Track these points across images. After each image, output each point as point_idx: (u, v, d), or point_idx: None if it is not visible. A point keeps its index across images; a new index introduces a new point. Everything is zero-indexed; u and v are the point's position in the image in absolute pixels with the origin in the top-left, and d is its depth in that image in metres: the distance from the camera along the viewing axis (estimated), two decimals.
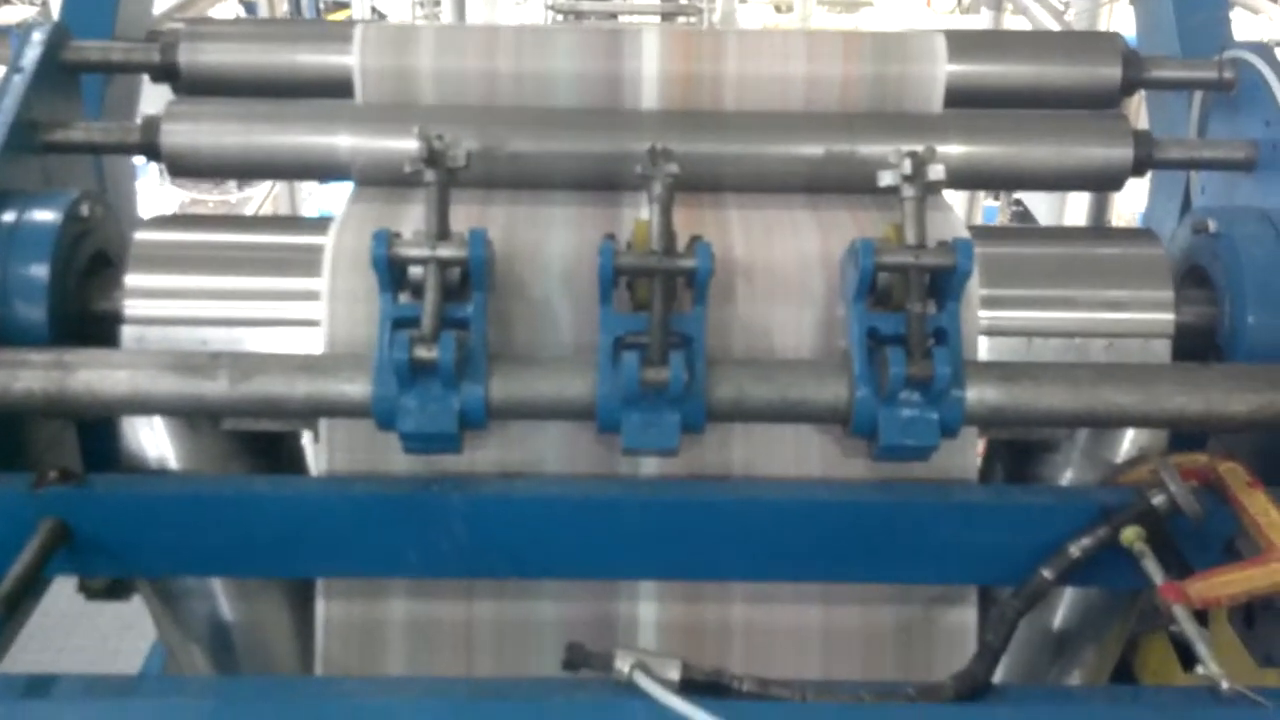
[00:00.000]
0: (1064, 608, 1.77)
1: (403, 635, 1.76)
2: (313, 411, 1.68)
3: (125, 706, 1.35)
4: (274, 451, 1.90)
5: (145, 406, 1.68)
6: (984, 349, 1.76)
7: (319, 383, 1.65)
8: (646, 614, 1.75)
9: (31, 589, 1.51)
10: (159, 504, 1.63)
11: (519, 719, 1.33)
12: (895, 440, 1.61)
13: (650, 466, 1.75)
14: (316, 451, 1.77)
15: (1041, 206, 6.54)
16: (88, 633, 4.57)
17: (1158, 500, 1.59)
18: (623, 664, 1.36)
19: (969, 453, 1.75)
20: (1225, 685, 1.40)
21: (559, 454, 1.76)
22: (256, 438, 1.85)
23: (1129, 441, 1.77)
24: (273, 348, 1.75)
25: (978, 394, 1.64)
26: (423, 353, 1.58)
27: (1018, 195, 5.88)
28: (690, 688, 1.34)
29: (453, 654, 1.76)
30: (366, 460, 1.74)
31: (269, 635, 1.80)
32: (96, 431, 1.83)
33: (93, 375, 1.63)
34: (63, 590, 1.74)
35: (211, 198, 6.97)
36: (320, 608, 1.76)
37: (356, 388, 1.63)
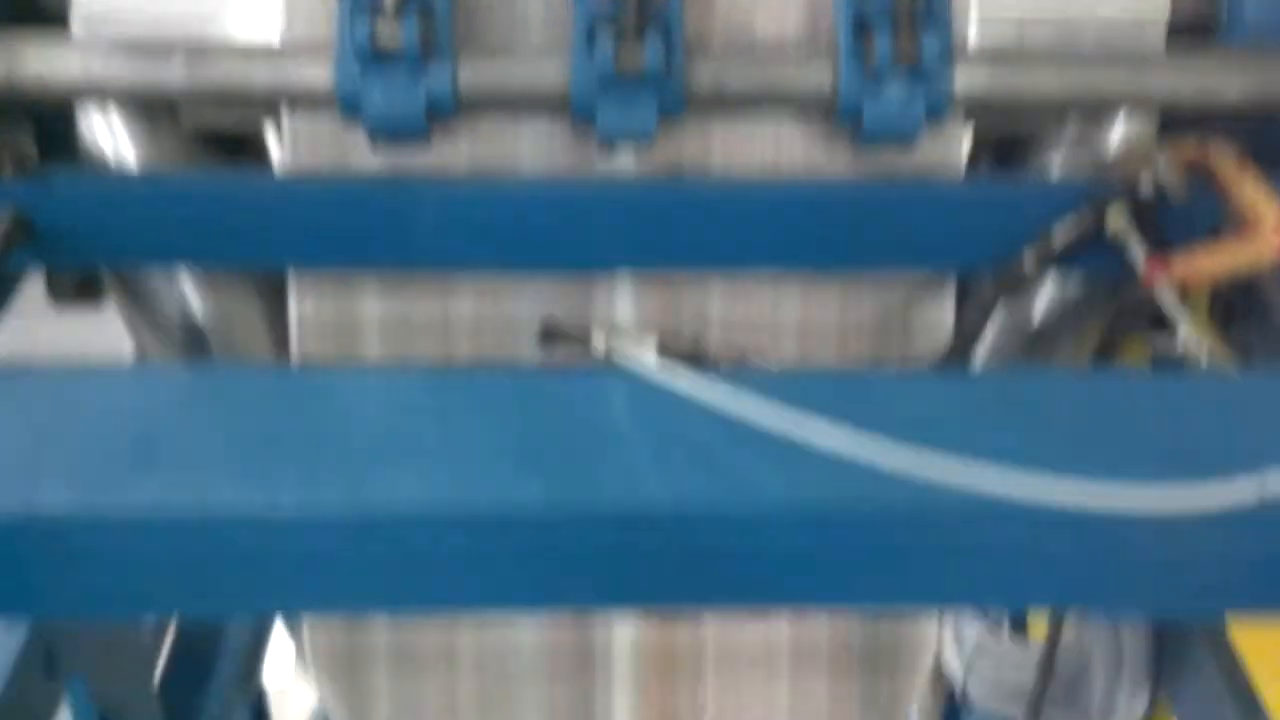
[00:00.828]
0: (1043, 302, 1.76)
1: (379, 333, 1.75)
2: (273, 100, 1.62)
3: (104, 390, 1.31)
4: (238, 156, 1.84)
5: (99, 94, 1.61)
6: (974, 36, 1.69)
7: (279, 68, 1.58)
8: (624, 309, 1.73)
9: None
10: (121, 195, 1.59)
11: (495, 395, 1.31)
12: (880, 122, 1.56)
13: (627, 162, 1.70)
14: (280, 153, 1.71)
15: None
16: None
17: (1144, 183, 1.56)
18: (599, 338, 1.35)
19: (955, 145, 1.71)
20: (1205, 357, 1.40)
21: (533, 151, 1.71)
22: (220, 140, 1.79)
23: (1118, 134, 1.72)
24: (228, 37, 1.67)
25: (966, 76, 1.59)
26: (385, 33, 1.50)
27: None
28: (668, 360, 1.32)
29: (430, 351, 1.75)
30: (331, 160, 1.69)
31: (243, 335, 1.78)
32: (54, 144, 1.77)
33: (43, 60, 1.57)
34: None
35: None
36: (293, 306, 1.74)
37: (318, 73, 1.56)
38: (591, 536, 1.13)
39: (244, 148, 1.82)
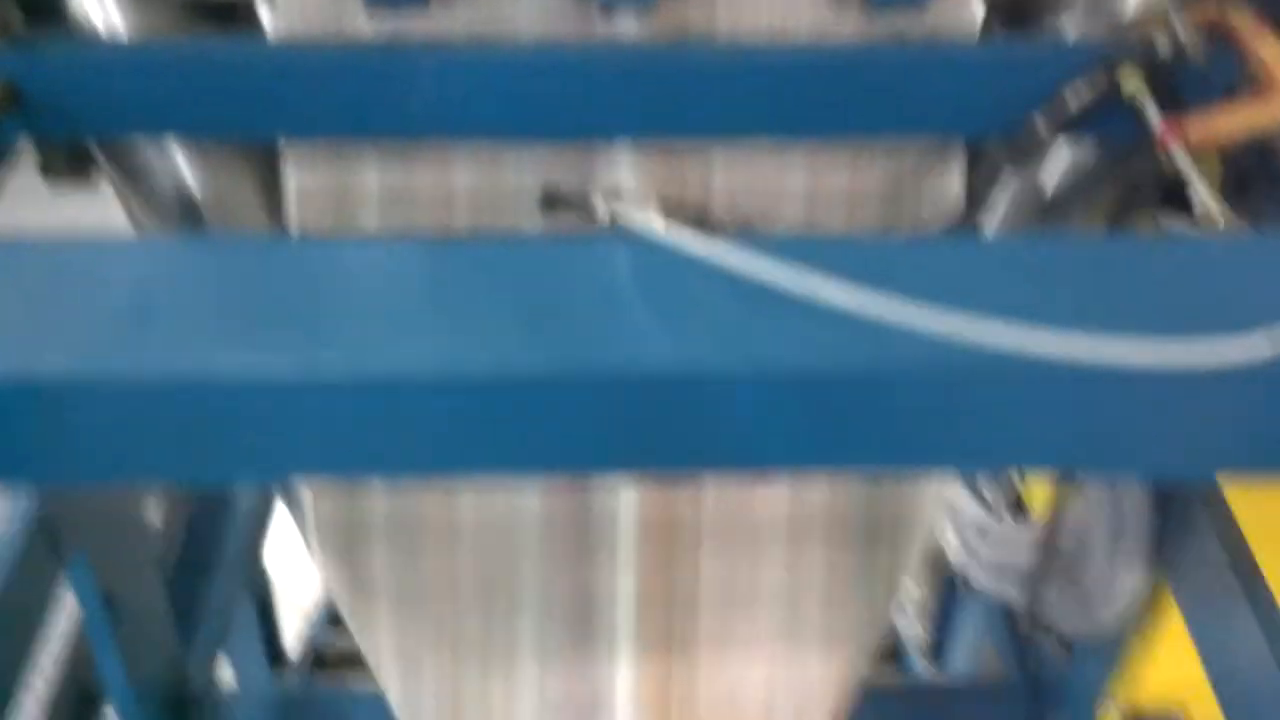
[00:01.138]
0: (1055, 168, 1.73)
1: (377, 204, 1.72)
2: None
3: (101, 260, 1.28)
4: (229, 24, 1.80)
5: None
6: None
7: None
8: (626, 179, 1.70)
9: None
10: (111, 63, 1.55)
11: (497, 260, 1.28)
12: None
13: (629, 27, 1.65)
14: (273, 19, 1.67)
15: None
16: None
17: (1160, 44, 1.52)
18: (602, 203, 1.32)
19: (968, 7, 1.66)
20: (1218, 219, 1.38)
21: (531, 16, 1.66)
22: (210, 8, 1.74)
23: None
24: None
25: None
26: None
27: None
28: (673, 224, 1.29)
29: (429, 221, 1.72)
30: (325, 27, 1.65)
31: (238, 207, 1.75)
32: (41, 16, 1.72)
33: None
34: None
35: None
36: (290, 178, 1.70)
37: None
38: (596, 400, 1.12)
39: (235, 15, 1.77)
